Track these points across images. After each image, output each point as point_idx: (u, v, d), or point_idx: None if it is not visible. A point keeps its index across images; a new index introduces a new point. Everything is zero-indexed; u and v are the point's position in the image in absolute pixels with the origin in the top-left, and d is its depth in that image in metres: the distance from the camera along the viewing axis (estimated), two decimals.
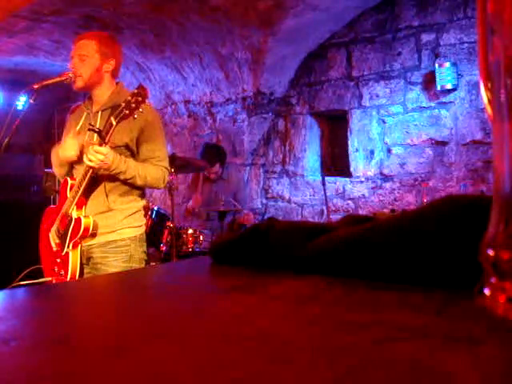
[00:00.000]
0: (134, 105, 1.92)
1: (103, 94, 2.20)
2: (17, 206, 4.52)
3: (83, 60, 2.13)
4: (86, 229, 2.10)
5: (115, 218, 2.17)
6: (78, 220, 2.10)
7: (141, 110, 1.94)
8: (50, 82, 2.16)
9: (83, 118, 2.22)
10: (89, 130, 2.04)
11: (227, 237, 0.64)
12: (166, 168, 2.22)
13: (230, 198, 3.91)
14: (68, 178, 2.22)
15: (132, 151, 2.16)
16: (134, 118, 1.96)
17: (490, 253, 0.29)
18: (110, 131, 1.96)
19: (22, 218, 4.22)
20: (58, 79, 2.14)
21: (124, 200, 2.19)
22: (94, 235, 2.15)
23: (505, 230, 0.28)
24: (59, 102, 5.92)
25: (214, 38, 4.27)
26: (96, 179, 2.12)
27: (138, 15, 4.01)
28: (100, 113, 2.18)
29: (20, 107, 2.28)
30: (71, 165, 2.26)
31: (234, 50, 4.34)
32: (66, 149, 2.15)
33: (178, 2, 3.83)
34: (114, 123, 1.94)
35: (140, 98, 1.92)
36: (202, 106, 5.07)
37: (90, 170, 2.02)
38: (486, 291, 0.30)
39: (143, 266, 2.27)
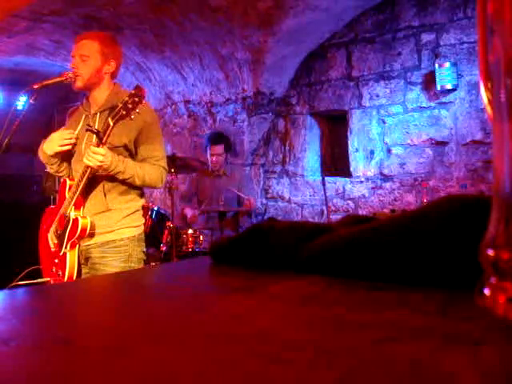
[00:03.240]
0: (130, 105, 1.92)
1: (101, 95, 2.20)
2: (17, 206, 4.52)
3: (84, 60, 2.13)
4: (83, 229, 2.10)
5: (114, 218, 2.17)
6: (76, 220, 2.10)
7: (137, 110, 1.95)
8: (50, 82, 2.16)
9: (82, 119, 2.23)
10: (86, 130, 2.05)
11: (230, 236, 0.64)
12: (163, 168, 2.23)
13: (232, 189, 3.90)
14: (67, 179, 2.23)
15: (130, 151, 2.17)
16: (131, 119, 1.97)
17: (490, 253, 0.29)
18: (108, 132, 1.96)
19: (22, 217, 4.23)
20: (57, 79, 2.14)
21: (123, 199, 2.19)
22: (92, 235, 2.15)
23: (505, 230, 0.28)
24: (59, 102, 5.92)
25: (214, 38, 4.27)
26: (94, 179, 2.13)
27: (137, 15, 4.01)
28: (99, 114, 2.18)
29: (20, 107, 2.28)
30: (62, 160, 2.27)
31: (234, 50, 4.34)
32: (52, 140, 2.16)
33: (177, 2, 3.83)
34: (111, 124, 1.94)
35: (137, 99, 1.92)
36: (202, 106, 5.07)
37: (88, 170, 2.03)
38: (486, 291, 0.30)
39: (142, 265, 2.28)
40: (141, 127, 2.14)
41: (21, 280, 2.21)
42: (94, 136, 2.07)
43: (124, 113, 1.93)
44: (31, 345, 0.31)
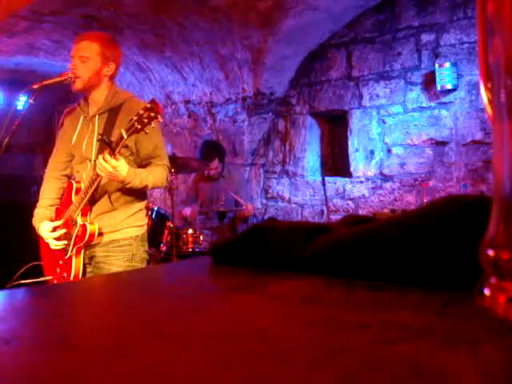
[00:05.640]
0: (146, 120, 1.88)
1: (100, 96, 2.19)
2: (17, 206, 4.52)
3: (84, 62, 2.12)
4: (92, 235, 2.10)
5: (118, 218, 2.17)
6: (84, 226, 2.10)
7: (152, 125, 1.91)
8: (50, 81, 2.15)
9: (80, 122, 2.22)
10: (98, 140, 2.03)
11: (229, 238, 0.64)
12: (167, 166, 2.25)
13: (231, 194, 3.90)
14: (73, 181, 2.22)
15: (131, 151, 2.17)
16: (146, 133, 1.94)
17: (490, 253, 0.29)
18: (121, 143, 1.93)
19: (21, 217, 4.22)
20: (57, 79, 2.14)
21: (127, 199, 2.20)
22: (100, 234, 2.15)
23: (505, 229, 0.28)
24: (59, 102, 5.92)
25: (214, 38, 4.27)
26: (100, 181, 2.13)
27: (138, 15, 4.01)
28: (97, 116, 2.17)
29: (20, 107, 2.28)
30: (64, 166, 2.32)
31: (234, 50, 4.34)
32: (41, 231, 2.22)
33: (178, 2, 3.83)
34: (125, 136, 1.91)
35: (153, 114, 1.88)
36: (202, 106, 5.06)
37: (98, 179, 2.02)
38: (486, 291, 0.30)
39: (145, 265, 2.28)
40: (155, 143, 2.17)
41: (21, 277, 2.20)
42: (94, 140, 2.07)
43: (139, 127, 1.89)
44: (31, 345, 0.31)
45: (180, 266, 0.75)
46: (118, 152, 1.96)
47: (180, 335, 0.32)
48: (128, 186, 2.06)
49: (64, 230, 2.17)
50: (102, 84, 2.18)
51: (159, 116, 1.91)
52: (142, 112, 1.89)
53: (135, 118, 1.89)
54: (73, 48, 2.17)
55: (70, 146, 2.24)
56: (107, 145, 1.95)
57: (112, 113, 2.14)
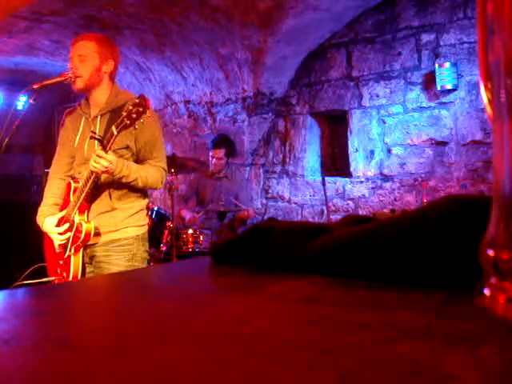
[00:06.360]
0: (135, 115, 1.91)
1: (101, 96, 2.20)
2: (17, 206, 4.52)
3: (83, 60, 2.13)
4: (87, 234, 2.10)
5: (118, 217, 2.18)
6: (80, 225, 2.11)
7: (142, 120, 1.93)
8: (50, 82, 2.16)
9: (82, 123, 2.22)
10: (91, 137, 2.05)
11: (228, 238, 0.64)
12: (163, 169, 2.24)
13: (231, 198, 3.90)
14: (71, 181, 2.23)
15: (132, 152, 2.17)
16: (135, 129, 1.96)
17: (490, 253, 0.29)
18: (112, 140, 1.96)
19: (22, 217, 4.22)
20: (58, 79, 2.14)
21: (127, 199, 2.20)
22: (97, 235, 2.15)
23: (505, 230, 0.28)
24: (59, 102, 5.92)
25: (214, 38, 4.27)
26: (99, 180, 2.13)
27: (138, 15, 4.01)
28: (99, 118, 2.17)
29: (20, 107, 2.29)
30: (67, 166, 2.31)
31: (233, 50, 4.34)
32: (45, 226, 2.20)
33: (178, 2, 3.83)
34: (115, 133, 1.94)
35: (141, 109, 1.91)
36: (202, 106, 5.06)
37: (93, 175, 2.03)
38: (486, 291, 0.30)
39: (145, 265, 2.29)
40: (148, 139, 2.16)
41: (26, 278, 2.21)
42: (96, 141, 2.08)
43: (128, 122, 1.92)
44: (31, 345, 0.31)
45: (180, 266, 0.75)
46: (110, 148, 1.98)
47: (180, 335, 0.32)
48: (117, 176, 2.06)
49: (68, 224, 2.16)
50: (102, 82, 2.19)
51: (148, 111, 1.93)
52: (130, 108, 1.91)
53: (124, 113, 1.92)
54: (70, 49, 2.18)
55: (72, 148, 2.24)
56: (99, 141, 1.98)
57: (114, 114, 2.15)
